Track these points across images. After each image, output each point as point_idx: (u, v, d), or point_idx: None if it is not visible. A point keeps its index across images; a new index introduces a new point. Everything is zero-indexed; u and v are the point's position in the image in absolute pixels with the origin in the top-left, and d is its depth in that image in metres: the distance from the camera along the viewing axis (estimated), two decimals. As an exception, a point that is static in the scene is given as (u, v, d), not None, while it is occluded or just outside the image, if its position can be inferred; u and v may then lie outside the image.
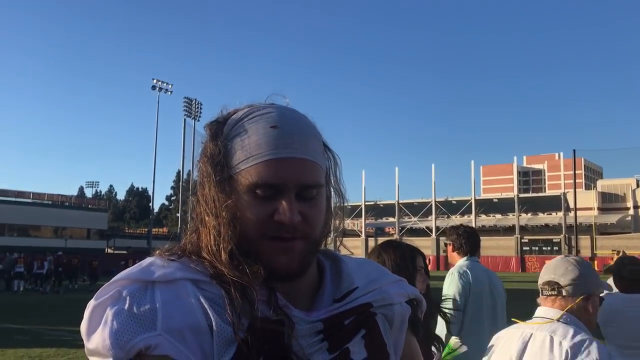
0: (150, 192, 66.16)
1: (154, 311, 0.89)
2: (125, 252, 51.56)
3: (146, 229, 71.99)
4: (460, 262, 4.27)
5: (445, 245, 4.84)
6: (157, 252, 1.01)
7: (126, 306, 0.89)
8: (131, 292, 0.90)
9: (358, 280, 1.06)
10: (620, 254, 7.21)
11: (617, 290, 3.94)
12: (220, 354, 0.89)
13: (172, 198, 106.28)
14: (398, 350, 1.11)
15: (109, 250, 59.52)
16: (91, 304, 0.92)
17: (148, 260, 0.97)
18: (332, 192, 1.09)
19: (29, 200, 57.84)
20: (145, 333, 0.87)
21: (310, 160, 0.99)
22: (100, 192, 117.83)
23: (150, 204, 70.18)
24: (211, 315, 0.90)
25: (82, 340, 0.89)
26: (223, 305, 0.91)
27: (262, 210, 0.95)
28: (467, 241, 4.29)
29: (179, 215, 63.64)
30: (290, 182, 0.96)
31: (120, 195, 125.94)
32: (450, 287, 4.12)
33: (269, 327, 0.91)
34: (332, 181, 1.07)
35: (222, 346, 0.89)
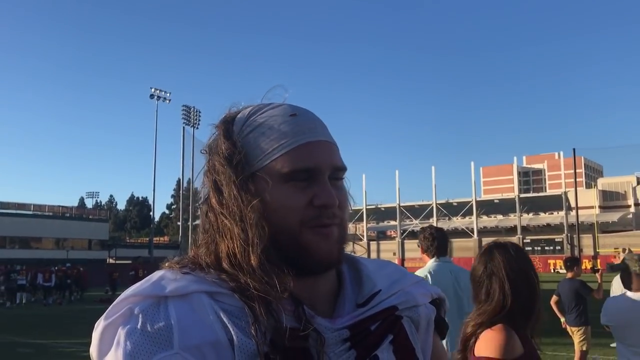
0: (150, 201, 66.23)
1: (169, 328, 0.83)
2: (130, 262, 51.42)
3: (147, 239, 72.04)
4: (427, 264, 4.32)
5: (418, 246, 4.87)
6: (166, 264, 0.95)
7: (139, 325, 0.83)
8: (143, 309, 0.84)
9: (380, 283, 1.01)
10: (627, 251, 7.19)
11: (624, 290, 3.93)
12: None
13: (173, 207, 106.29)
14: (427, 353, 1.06)
15: (111, 261, 59.37)
16: (101, 323, 0.86)
17: (158, 273, 0.92)
18: None
19: (30, 212, 57.82)
20: (162, 352, 0.81)
21: (334, 145, 0.98)
22: (101, 202, 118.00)
23: (151, 213, 70.27)
24: (231, 329, 0.84)
25: (86, 352, 0.84)
26: (243, 318, 0.85)
27: (301, 198, 0.91)
28: (433, 242, 4.35)
29: (180, 223, 63.69)
30: (325, 165, 0.93)
31: (121, 205, 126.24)
32: None
33: (295, 342, 0.85)
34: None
35: None
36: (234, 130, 0.97)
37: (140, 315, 0.83)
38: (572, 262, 8.40)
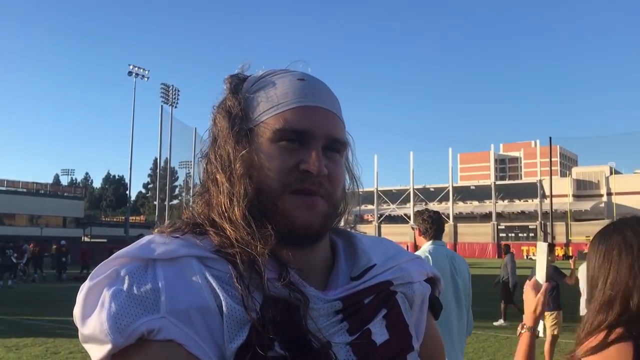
0: (127, 180, 65.50)
1: (156, 291, 0.80)
2: (104, 240, 50.92)
3: (123, 217, 71.40)
4: (424, 246, 4.38)
5: (412, 229, 4.91)
6: (157, 229, 0.93)
7: (125, 286, 0.80)
8: (130, 271, 0.82)
9: (375, 257, 0.99)
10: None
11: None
12: (231, 336, 0.81)
13: (150, 186, 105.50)
14: (420, 331, 1.03)
15: (86, 239, 58.85)
16: (85, 285, 0.83)
17: (147, 237, 0.89)
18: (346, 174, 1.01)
19: (3, 188, 56.85)
20: (148, 315, 0.79)
21: (338, 116, 0.95)
22: (76, 179, 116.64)
23: (127, 192, 69.57)
24: (220, 295, 0.82)
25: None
26: (233, 284, 0.83)
27: (287, 160, 0.89)
28: (432, 225, 4.40)
29: (156, 203, 63.24)
30: (319, 131, 0.90)
31: (97, 183, 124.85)
32: None
33: (282, 305, 0.84)
34: (345, 162, 1.00)
35: (234, 328, 0.81)
36: (244, 87, 0.96)
37: (127, 277, 0.81)
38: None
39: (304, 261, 0.91)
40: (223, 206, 0.90)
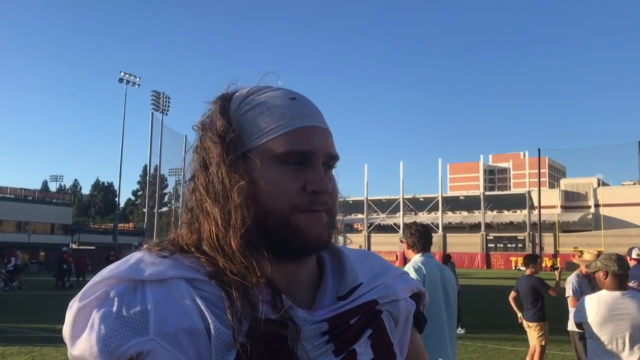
0: (116, 187, 65.18)
1: (145, 314, 0.81)
2: (93, 247, 50.44)
3: (112, 224, 70.93)
4: (414, 258, 4.43)
5: (401, 242, 4.95)
6: (145, 246, 0.93)
7: (114, 308, 0.81)
8: (119, 293, 0.82)
9: (362, 275, 0.99)
10: (583, 254, 7.38)
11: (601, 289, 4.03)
12: (219, 359, 0.81)
13: (139, 193, 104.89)
14: (403, 348, 1.04)
15: (74, 246, 58.41)
16: (74, 305, 0.83)
17: (136, 255, 0.89)
18: None
19: (-9, 194, 56.41)
20: (137, 338, 0.79)
21: (330, 132, 0.97)
22: (65, 186, 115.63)
23: (116, 199, 69.17)
24: (208, 318, 0.82)
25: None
26: (221, 307, 0.83)
27: (294, 182, 0.89)
28: (420, 239, 4.46)
29: (145, 210, 62.93)
30: (320, 151, 0.91)
31: (85, 190, 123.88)
32: None
33: (271, 332, 0.84)
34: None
35: (221, 351, 0.81)
36: (231, 107, 0.94)
37: (116, 299, 0.81)
38: (530, 259, 8.60)
39: (293, 277, 0.92)
40: (215, 238, 0.89)
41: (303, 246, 0.90)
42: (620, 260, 4.02)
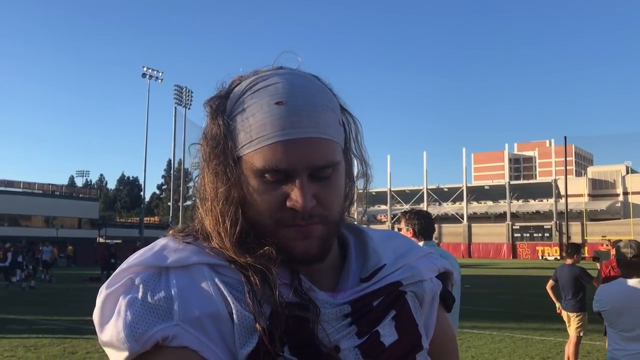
0: (141, 181, 65.92)
1: (169, 299, 0.82)
2: (119, 241, 51.12)
3: (138, 218, 71.80)
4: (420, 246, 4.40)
5: (405, 228, 4.78)
6: (170, 232, 0.95)
7: (140, 295, 0.82)
8: (144, 280, 0.84)
9: (385, 257, 0.99)
10: (613, 242, 7.22)
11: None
12: (242, 343, 0.82)
13: (164, 187, 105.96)
14: (429, 329, 1.03)
15: (101, 240, 59.27)
16: (103, 291, 0.85)
17: (160, 242, 0.90)
18: (354, 159, 0.99)
19: (20, 190, 57.37)
20: (162, 323, 0.81)
21: (322, 139, 0.88)
22: (91, 181, 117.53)
23: (142, 193, 69.96)
24: (231, 302, 0.83)
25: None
26: (243, 291, 0.85)
27: (273, 197, 0.87)
28: (426, 225, 4.41)
29: (170, 204, 63.54)
30: (301, 166, 0.86)
31: (111, 185, 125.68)
32: None
33: (292, 314, 0.84)
34: (353, 147, 0.98)
35: (244, 335, 0.83)
36: (227, 107, 0.91)
37: (141, 286, 0.83)
38: (575, 249, 8.37)
39: (313, 267, 0.92)
40: (216, 239, 0.90)
41: (292, 260, 0.89)
42: (635, 246, 3.98)
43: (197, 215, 0.97)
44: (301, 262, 0.89)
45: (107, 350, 0.85)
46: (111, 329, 0.82)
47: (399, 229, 4.56)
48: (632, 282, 3.89)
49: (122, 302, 0.82)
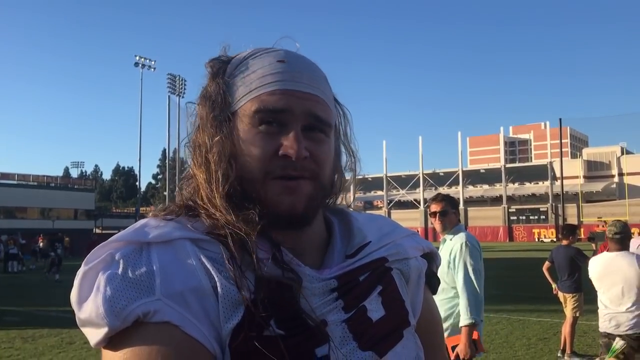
0: (136, 171, 65.71)
1: (151, 274, 0.80)
2: (116, 231, 50.98)
3: (134, 209, 71.68)
4: (463, 232, 4.46)
5: (452, 213, 4.65)
6: (150, 213, 0.93)
7: (120, 270, 0.80)
8: (125, 255, 0.81)
9: (370, 235, 0.99)
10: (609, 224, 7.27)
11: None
12: (227, 317, 0.81)
13: (159, 176, 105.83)
14: (416, 307, 1.02)
15: (97, 231, 59.21)
16: (81, 270, 0.83)
17: (142, 221, 0.89)
18: (343, 150, 1.01)
19: (14, 182, 57.05)
20: (143, 298, 0.78)
21: (321, 98, 0.90)
22: (86, 172, 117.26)
23: (137, 183, 69.73)
24: (215, 276, 0.82)
25: (74, 320, 0.82)
26: (226, 265, 0.83)
27: (266, 146, 0.87)
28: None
29: (166, 193, 63.44)
30: (297, 110, 0.87)
31: (106, 175, 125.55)
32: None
33: (274, 282, 0.83)
34: (342, 137, 0.99)
35: (229, 309, 0.81)
36: (227, 70, 0.94)
37: (122, 261, 0.81)
38: (570, 230, 8.38)
39: (298, 241, 0.91)
40: (206, 192, 0.90)
41: (275, 219, 0.87)
42: (618, 225, 4.96)
43: (178, 192, 0.97)
44: (286, 220, 0.88)
45: (86, 330, 0.81)
46: (90, 305, 0.79)
47: (452, 212, 4.55)
48: (612, 254, 4.93)
49: (101, 278, 0.79)
